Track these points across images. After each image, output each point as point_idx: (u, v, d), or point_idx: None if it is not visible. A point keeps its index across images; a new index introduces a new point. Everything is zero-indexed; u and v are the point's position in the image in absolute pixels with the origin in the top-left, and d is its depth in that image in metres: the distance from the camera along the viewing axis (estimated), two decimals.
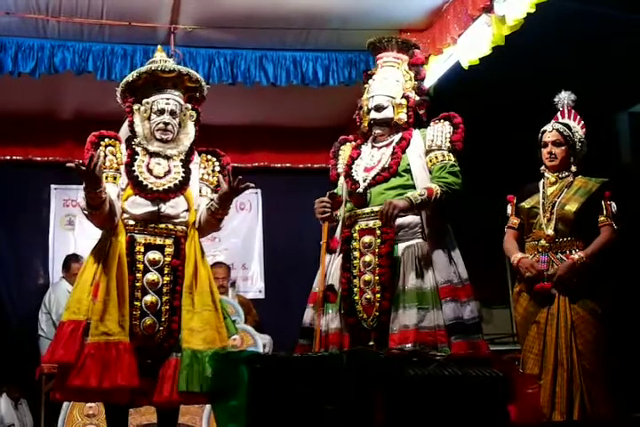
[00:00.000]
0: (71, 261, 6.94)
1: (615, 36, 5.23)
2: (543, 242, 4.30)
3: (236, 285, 7.11)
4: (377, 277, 3.77)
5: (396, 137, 3.96)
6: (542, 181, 4.46)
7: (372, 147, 4.01)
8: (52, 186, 7.61)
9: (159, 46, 4.19)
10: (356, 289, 3.82)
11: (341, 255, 3.92)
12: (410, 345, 3.60)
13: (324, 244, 3.92)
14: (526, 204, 4.43)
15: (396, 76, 4.03)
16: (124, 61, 5.89)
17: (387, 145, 3.96)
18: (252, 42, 6.03)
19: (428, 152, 3.90)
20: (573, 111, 4.52)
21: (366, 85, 4.11)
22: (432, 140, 3.91)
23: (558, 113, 4.53)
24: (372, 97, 3.98)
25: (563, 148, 4.39)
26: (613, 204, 4.33)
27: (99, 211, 3.59)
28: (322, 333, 3.86)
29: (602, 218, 4.30)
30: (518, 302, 4.39)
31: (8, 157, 7.39)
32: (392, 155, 3.89)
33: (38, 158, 7.44)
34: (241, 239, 7.77)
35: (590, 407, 4.06)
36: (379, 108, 3.95)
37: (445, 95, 6.14)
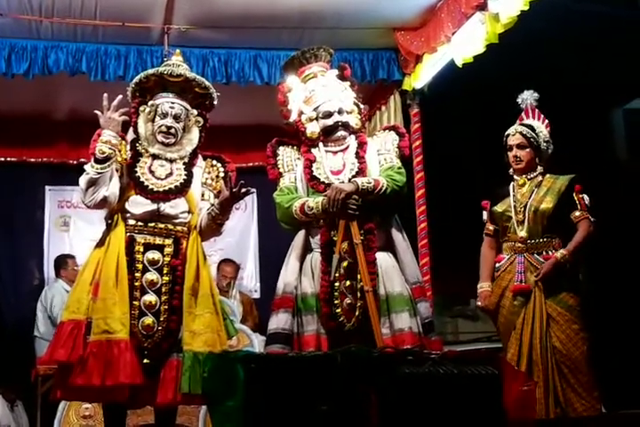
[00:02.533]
0: (66, 258, 6.97)
1: (609, 33, 5.24)
2: (518, 244, 4.32)
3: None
4: (361, 283, 3.82)
5: (352, 142, 4.06)
6: (512, 183, 4.48)
7: (327, 152, 4.06)
8: (47, 187, 7.59)
9: (177, 50, 4.23)
10: (336, 293, 3.85)
11: (320, 259, 3.93)
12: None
13: (360, 244, 3.83)
14: (498, 207, 4.46)
15: (334, 83, 4.13)
16: (118, 62, 5.88)
17: (343, 150, 4.05)
18: (245, 41, 6.02)
19: (378, 155, 4.06)
20: (537, 111, 4.51)
21: (289, 95, 4.16)
22: (382, 145, 4.09)
23: (522, 113, 4.53)
24: (330, 101, 4.04)
25: (527, 150, 4.40)
26: (585, 196, 4.34)
27: (108, 168, 3.65)
28: (294, 334, 3.89)
29: (577, 213, 4.31)
30: (502, 304, 4.36)
31: (2, 159, 7.36)
32: (359, 159, 4.00)
33: (33, 159, 7.41)
34: (236, 239, 7.75)
35: (566, 407, 4.07)
36: (340, 112, 4.04)
37: (440, 93, 6.15)
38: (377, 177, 3.94)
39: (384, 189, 3.88)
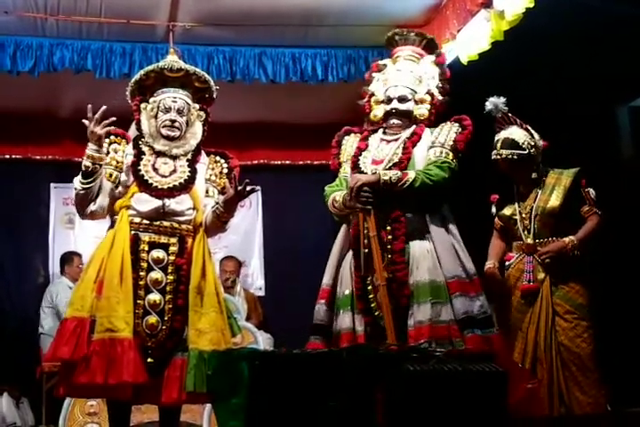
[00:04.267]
0: (72, 255, 7.00)
1: (615, 29, 5.22)
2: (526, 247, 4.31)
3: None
4: (391, 275, 3.73)
5: (408, 132, 3.95)
6: (515, 187, 4.43)
7: (381, 140, 3.98)
8: (52, 184, 7.61)
9: (172, 49, 4.22)
10: (369, 288, 3.78)
11: (351, 253, 3.87)
12: (424, 341, 3.55)
13: (374, 237, 3.72)
14: (506, 211, 4.43)
15: (417, 70, 4.04)
16: (123, 59, 5.90)
17: (396, 139, 3.95)
18: (250, 39, 6.03)
19: (429, 148, 3.90)
20: (510, 115, 4.38)
21: (375, 74, 4.11)
22: (436, 137, 3.92)
23: (498, 123, 4.38)
24: (395, 86, 3.97)
25: (519, 167, 4.32)
26: (591, 190, 4.31)
27: (92, 183, 3.66)
28: (331, 326, 3.85)
29: (586, 208, 4.28)
30: (510, 303, 4.32)
31: (7, 156, 7.40)
32: (403, 149, 3.88)
33: (38, 157, 7.46)
34: (241, 237, 7.76)
35: (571, 405, 4.05)
36: (402, 100, 3.95)
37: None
38: (408, 170, 3.79)
39: (410, 182, 3.73)
